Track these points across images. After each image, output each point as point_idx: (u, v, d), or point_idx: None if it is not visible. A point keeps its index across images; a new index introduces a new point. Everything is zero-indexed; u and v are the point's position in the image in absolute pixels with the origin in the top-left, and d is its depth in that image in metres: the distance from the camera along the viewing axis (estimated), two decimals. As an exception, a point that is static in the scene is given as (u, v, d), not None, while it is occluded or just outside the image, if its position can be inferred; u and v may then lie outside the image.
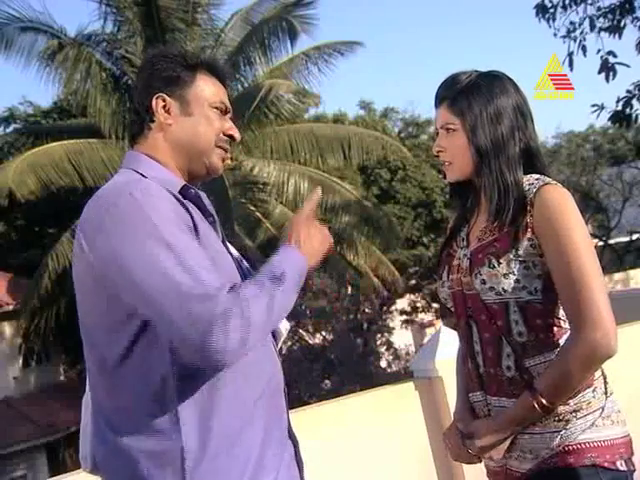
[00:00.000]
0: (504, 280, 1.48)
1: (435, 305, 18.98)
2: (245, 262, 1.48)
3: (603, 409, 1.49)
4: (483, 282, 1.51)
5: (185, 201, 1.34)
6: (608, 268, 20.00)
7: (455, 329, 1.69)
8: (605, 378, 1.54)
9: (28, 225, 18.19)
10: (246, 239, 11.68)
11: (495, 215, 1.53)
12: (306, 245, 1.36)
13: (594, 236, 22.04)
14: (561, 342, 1.48)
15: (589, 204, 22.32)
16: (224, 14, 13.27)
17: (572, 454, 1.45)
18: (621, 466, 1.46)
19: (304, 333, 11.68)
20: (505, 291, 1.48)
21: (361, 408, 3.26)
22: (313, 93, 16.38)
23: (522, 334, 1.49)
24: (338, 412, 3.21)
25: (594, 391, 1.49)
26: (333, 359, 11.16)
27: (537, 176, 1.54)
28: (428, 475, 3.26)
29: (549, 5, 6.80)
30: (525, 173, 1.55)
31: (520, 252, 1.47)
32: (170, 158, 1.43)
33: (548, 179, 1.52)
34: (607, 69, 6.13)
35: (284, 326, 1.45)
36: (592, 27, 6.66)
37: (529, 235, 1.47)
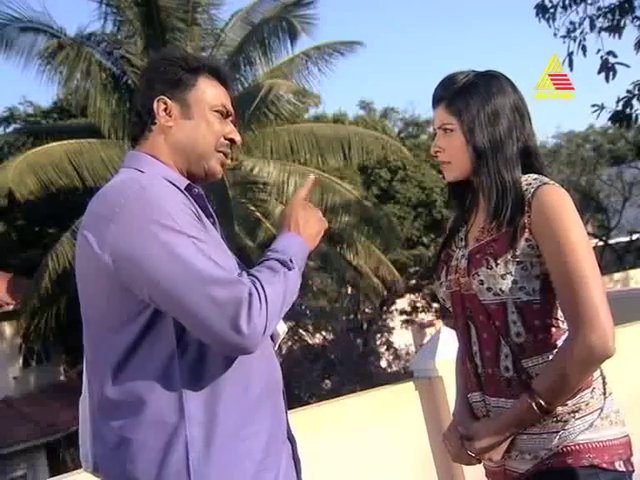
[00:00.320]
0: (502, 281, 1.47)
1: (435, 305, 19.01)
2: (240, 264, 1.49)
3: (602, 410, 1.48)
4: (481, 283, 1.50)
5: (190, 198, 1.36)
6: (608, 268, 20.03)
7: (454, 329, 1.69)
8: (604, 378, 1.54)
9: (28, 225, 18.19)
10: (246, 239, 11.68)
11: (493, 215, 1.52)
12: (305, 230, 1.41)
13: (594, 236, 22.06)
14: (559, 343, 1.48)
15: (589, 204, 22.34)
16: (224, 14, 13.31)
17: (571, 455, 1.45)
18: (620, 467, 1.45)
19: (304, 333, 11.68)
20: (503, 292, 1.48)
21: (361, 408, 3.26)
22: (313, 93, 16.35)
23: (520, 335, 1.49)
24: (338, 412, 3.21)
25: (593, 392, 1.48)
26: (333, 359, 11.17)
27: (535, 176, 1.53)
28: (428, 475, 3.26)
29: (549, 5, 6.80)
30: (523, 173, 1.55)
31: (518, 253, 1.47)
32: (170, 160, 1.43)
33: (546, 179, 1.51)
34: (607, 69, 6.12)
35: (281, 327, 1.45)
36: (592, 27, 6.66)
37: (527, 235, 1.47)
